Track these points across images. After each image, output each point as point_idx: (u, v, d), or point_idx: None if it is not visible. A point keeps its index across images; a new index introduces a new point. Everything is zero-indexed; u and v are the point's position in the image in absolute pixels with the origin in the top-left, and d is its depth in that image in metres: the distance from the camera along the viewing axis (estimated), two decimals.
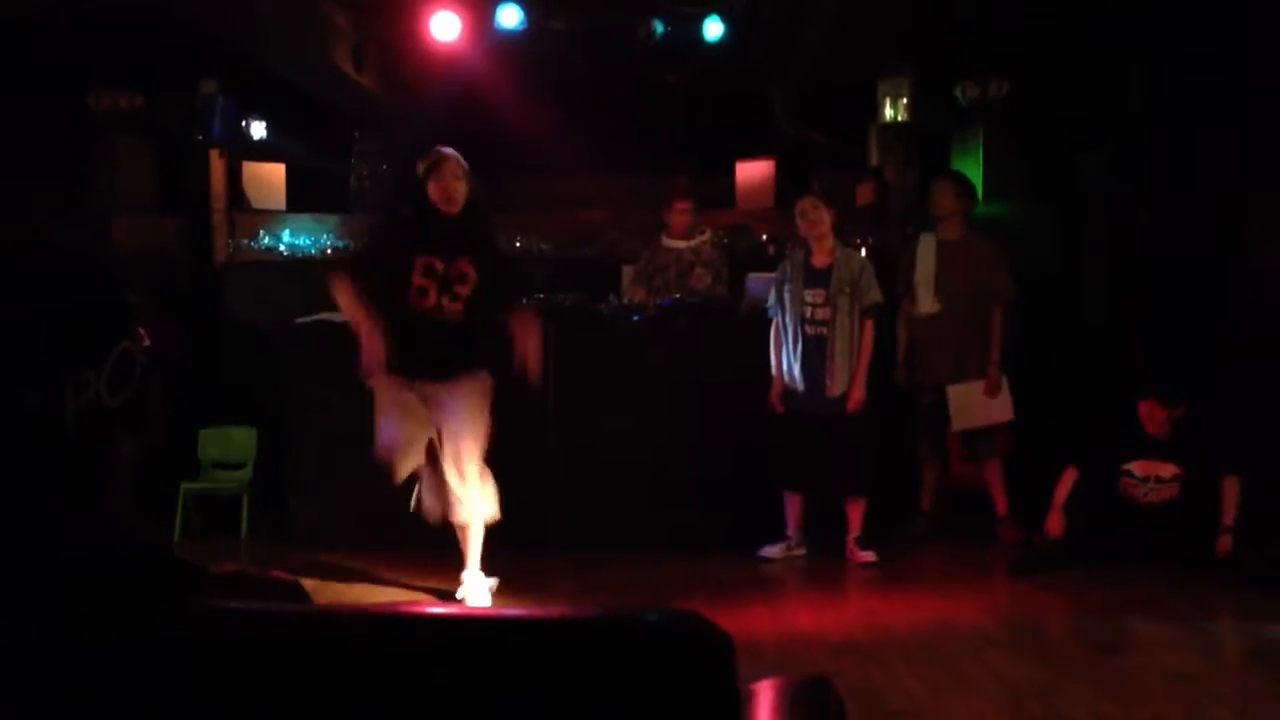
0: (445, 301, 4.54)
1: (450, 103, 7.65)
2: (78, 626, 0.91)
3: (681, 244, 6.34)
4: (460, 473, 4.54)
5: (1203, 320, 6.04)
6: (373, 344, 4.37)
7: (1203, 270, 6.12)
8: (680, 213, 6.32)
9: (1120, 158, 6.76)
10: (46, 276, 1.01)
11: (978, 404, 5.83)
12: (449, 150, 4.61)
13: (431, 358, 4.51)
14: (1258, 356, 5.73)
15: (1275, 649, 4.07)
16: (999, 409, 5.85)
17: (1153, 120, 6.60)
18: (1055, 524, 5.41)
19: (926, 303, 5.92)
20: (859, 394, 5.42)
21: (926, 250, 5.97)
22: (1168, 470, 5.38)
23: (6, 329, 0.96)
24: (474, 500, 4.59)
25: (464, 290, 4.55)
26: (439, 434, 4.57)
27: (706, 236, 6.45)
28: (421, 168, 4.59)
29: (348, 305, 4.48)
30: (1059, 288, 6.52)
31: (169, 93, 7.27)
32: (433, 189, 4.54)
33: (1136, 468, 5.42)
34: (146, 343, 1.07)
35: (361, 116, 8.25)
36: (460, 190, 4.56)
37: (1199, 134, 6.27)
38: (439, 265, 4.51)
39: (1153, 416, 5.40)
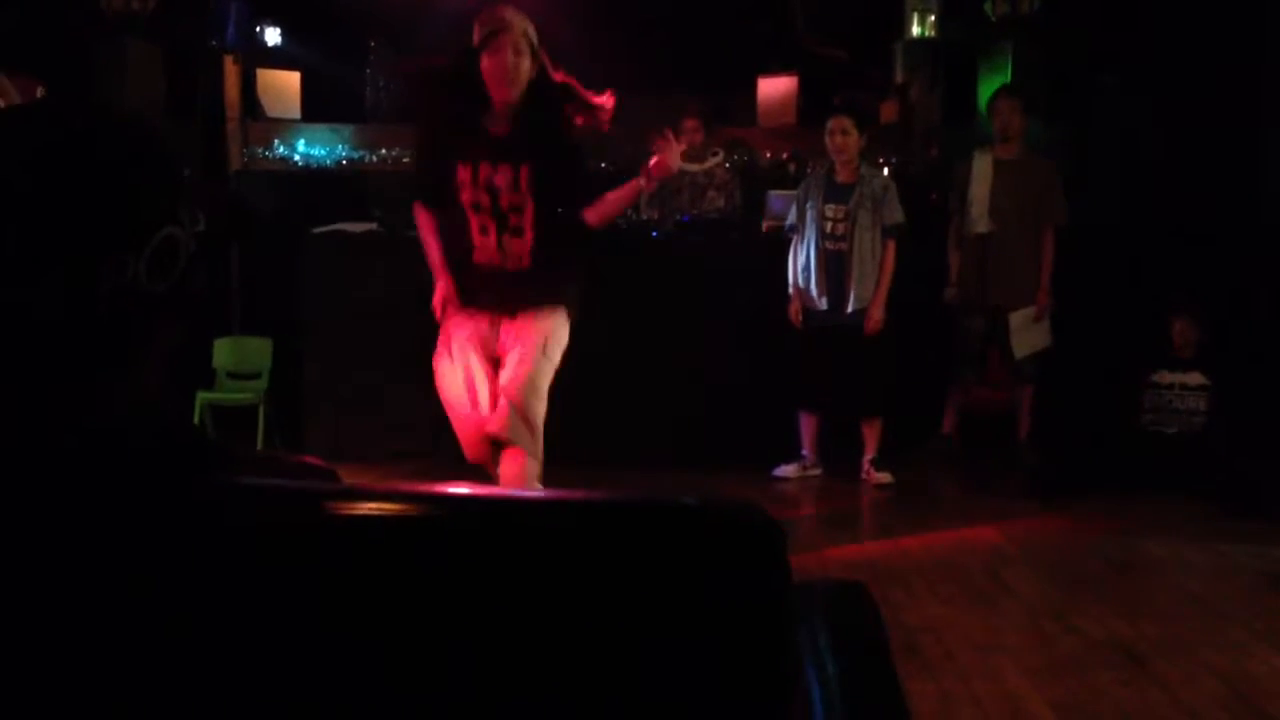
0: (507, 241, 3.64)
1: (466, 11, 7.47)
2: (104, 499, 0.88)
3: (695, 167, 6.21)
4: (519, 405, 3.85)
5: (1218, 240, 6.02)
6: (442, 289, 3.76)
7: (1216, 191, 6.10)
8: (689, 130, 6.18)
9: (1135, 77, 6.62)
10: (93, 149, 0.94)
11: (1033, 330, 5.71)
12: (510, 12, 3.54)
13: (498, 302, 3.74)
14: (1273, 275, 5.86)
15: None
16: (1045, 334, 5.75)
17: (1168, 39, 6.45)
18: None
19: (981, 223, 5.72)
20: (878, 314, 5.36)
21: (982, 169, 5.74)
22: (1194, 379, 5.52)
23: (46, 203, 0.90)
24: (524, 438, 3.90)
25: (522, 220, 3.60)
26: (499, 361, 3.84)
27: (720, 158, 6.34)
28: (476, 36, 3.53)
29: (424, 244, 3.80)
30: (1074, 208, 6.40)
31: None
32: (486, 65, 3.49)
33: (1161, 377, 5.58)
34: (200, 228, 1.01)
35: (377, 23, 8.09)
36: (524, 70, 3.50)
37: (1213, 55, 6.18)
38: (483, 174, 3.58)
39: (1185, 336, 5.53)
